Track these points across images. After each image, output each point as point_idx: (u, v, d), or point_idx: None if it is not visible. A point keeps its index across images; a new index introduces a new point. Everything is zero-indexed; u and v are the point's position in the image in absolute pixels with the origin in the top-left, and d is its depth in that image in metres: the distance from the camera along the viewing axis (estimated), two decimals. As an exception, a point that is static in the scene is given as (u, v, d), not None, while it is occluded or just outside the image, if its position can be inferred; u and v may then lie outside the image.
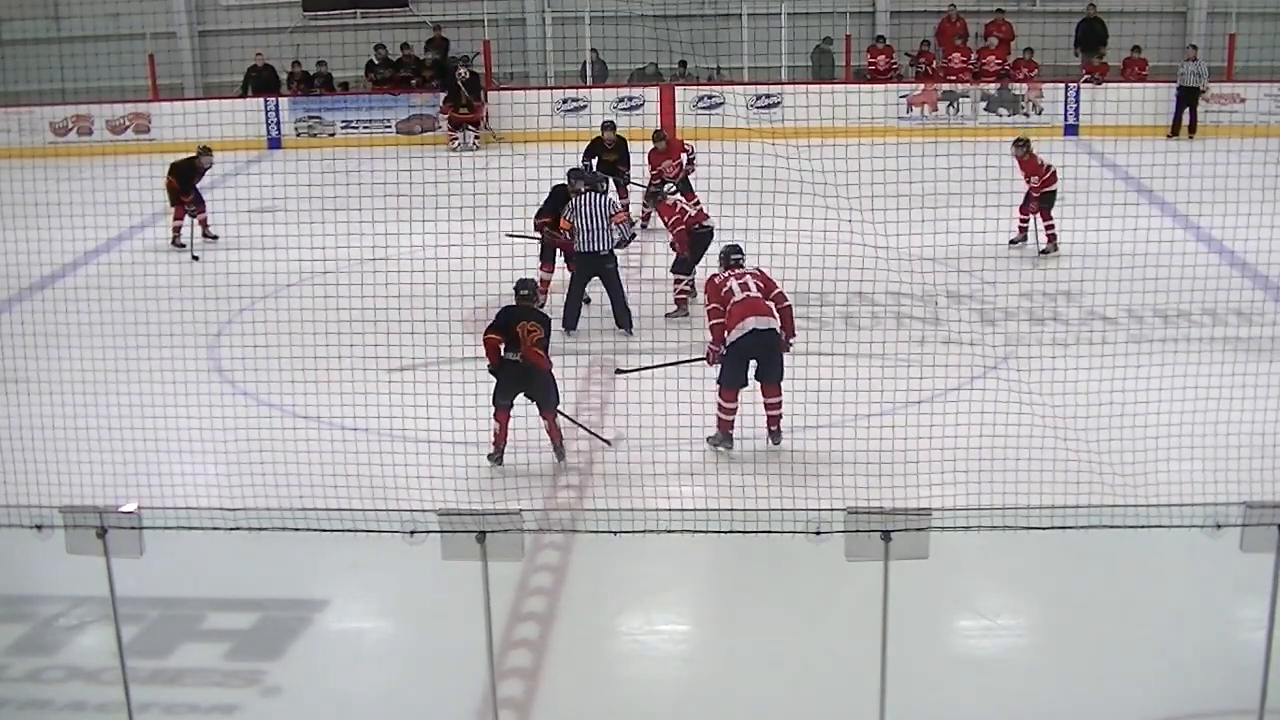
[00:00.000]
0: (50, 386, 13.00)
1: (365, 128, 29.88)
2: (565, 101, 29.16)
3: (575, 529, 10.44)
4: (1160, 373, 11.97)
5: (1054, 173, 18.46)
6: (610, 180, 18.91)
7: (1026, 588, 10.31)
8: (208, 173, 21.19)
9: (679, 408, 12.09)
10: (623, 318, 15.81)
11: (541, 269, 16.46)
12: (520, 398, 12.15)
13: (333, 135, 29.83)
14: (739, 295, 12.36)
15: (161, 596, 9.97)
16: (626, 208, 18.99)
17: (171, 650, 9.51)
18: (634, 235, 16.54)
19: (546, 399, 12.20)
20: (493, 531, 6.88)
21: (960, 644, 9.83)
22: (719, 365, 12.45)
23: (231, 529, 7.58)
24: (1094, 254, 13.41)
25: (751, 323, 12.28)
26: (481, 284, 14.18)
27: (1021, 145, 18.58)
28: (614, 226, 15.62)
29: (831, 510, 7.00)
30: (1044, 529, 7.92)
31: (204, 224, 21.09)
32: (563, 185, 16.58)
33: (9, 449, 11.77)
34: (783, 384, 12.29)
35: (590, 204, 15.63)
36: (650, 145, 20.07)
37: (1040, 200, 18.50)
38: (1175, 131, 27.63)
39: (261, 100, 29.92)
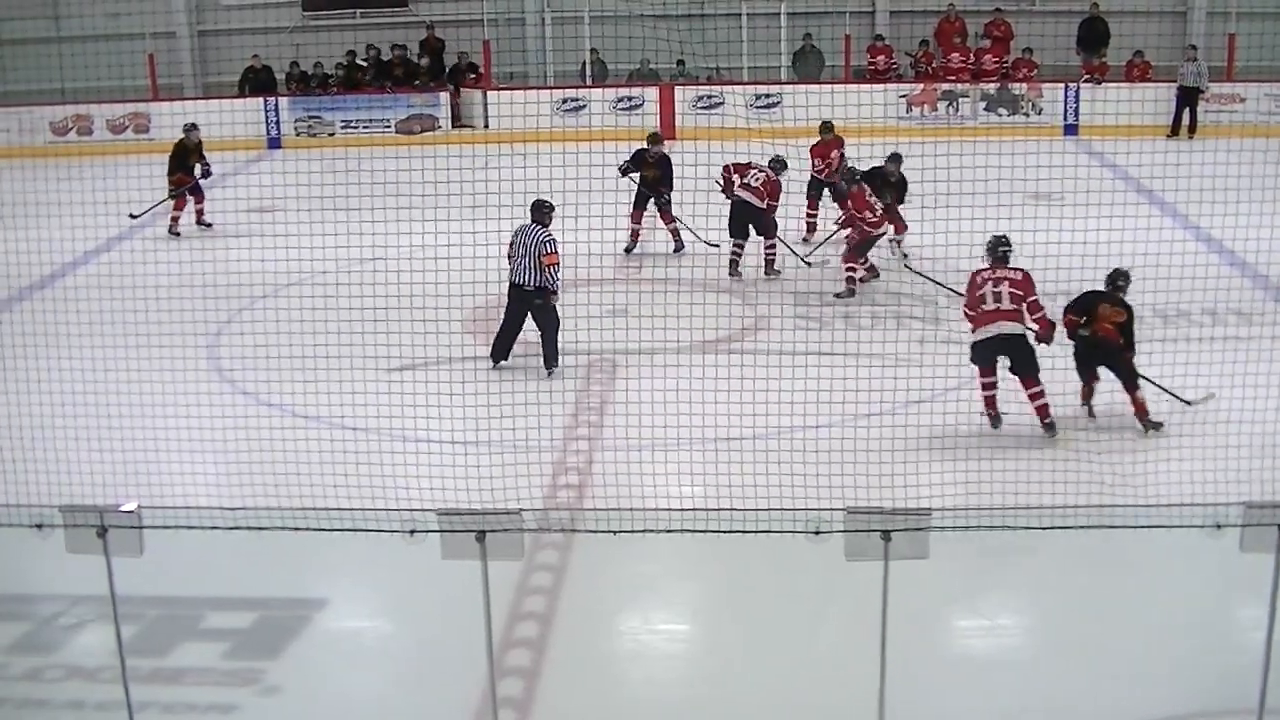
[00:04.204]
0: (50, 386, 12.98)
1: (365, 127, 29.90)
2: (565, 101, 29.16)
3: (575, 529, 10.43)
4: (1160, 373, 11.96)
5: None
6: (651, 197, 19.03)
7: (1026, 588, 10.30)
8: (210, 169, 21.41)
9: (679, 408, 12.10)
10: (549, 357, 14.45)
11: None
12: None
13: (332, 135, 29.84)
14: (989, 305, 12.68)
15: (161, 596, 9.95)
16: (675, 232, 19.09)
17: (171, 649, 9.51)
18: (556, 288, 14.48)
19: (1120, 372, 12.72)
20: (492, 531, 6.86)
21: (960, 644, 9.84)
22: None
23: (231, 528, 7.57)
24: (1093, 254, 13.38)
25: (994, 329, 12.63)
26: (481, 283, 14.18)
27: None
28: (544, 267, 14.26)
29: (831, 510, 6.99)
30: (1044, 529, 7.91)
31: (200, 213, 21.58)
32: (642, 150, 19.13)
33: (9, 448, 11.77)
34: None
35: (526, 236, 14.36)
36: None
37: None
38: (1175, 131, 27.62)
39: (261, 100, 29.95)
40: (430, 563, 6.98)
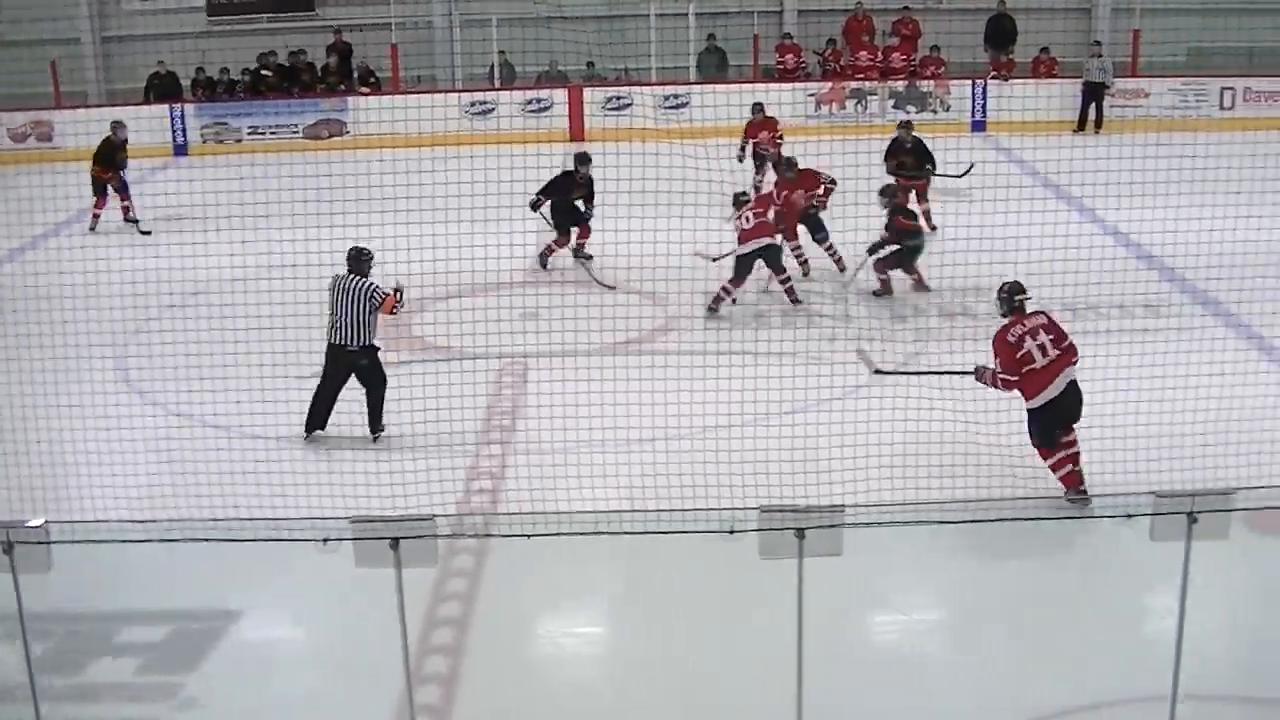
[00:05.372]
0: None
1: (272, 133, 29.60)
2: (473, 105, 29.05)
3: (489, 533, 10.40)
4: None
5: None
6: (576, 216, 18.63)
7: (941, 582, 10.37)
8: (126, 167, 21.75)
9: (591, 410, 12.08)
10: (375, 421, 12.92)
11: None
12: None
13: (239, 141, 29.52)
14: (1040, 361, 11.05)
15: (71, 611, 9.83)
16: (582, 248, 18.72)
17: (83, 666, 9.39)
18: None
19: None
20: (406, 538, 6.83)
21: (876, 639, 9.89)
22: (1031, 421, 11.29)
23: (142, 541, 7.49)
24: (1002, 249, 13.51)
25: (1062, 381, 11.06)
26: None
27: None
28: (373, 324, 12.81)
29: (745, 509, 7.00)
30: (957, 522, 7.97)
31: (126, 210, 21.76)
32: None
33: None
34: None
35: (347, 290, 12.79)
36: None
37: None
38: (1081, 126, 27.96)
39: (166, 107, 29.58)
40: (344, 571, 6.94)
